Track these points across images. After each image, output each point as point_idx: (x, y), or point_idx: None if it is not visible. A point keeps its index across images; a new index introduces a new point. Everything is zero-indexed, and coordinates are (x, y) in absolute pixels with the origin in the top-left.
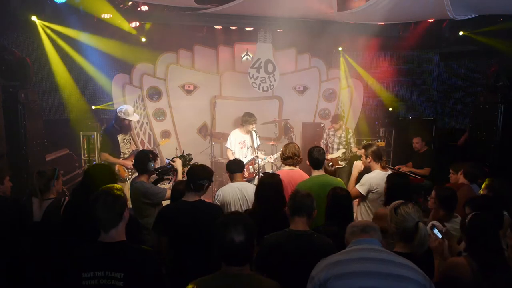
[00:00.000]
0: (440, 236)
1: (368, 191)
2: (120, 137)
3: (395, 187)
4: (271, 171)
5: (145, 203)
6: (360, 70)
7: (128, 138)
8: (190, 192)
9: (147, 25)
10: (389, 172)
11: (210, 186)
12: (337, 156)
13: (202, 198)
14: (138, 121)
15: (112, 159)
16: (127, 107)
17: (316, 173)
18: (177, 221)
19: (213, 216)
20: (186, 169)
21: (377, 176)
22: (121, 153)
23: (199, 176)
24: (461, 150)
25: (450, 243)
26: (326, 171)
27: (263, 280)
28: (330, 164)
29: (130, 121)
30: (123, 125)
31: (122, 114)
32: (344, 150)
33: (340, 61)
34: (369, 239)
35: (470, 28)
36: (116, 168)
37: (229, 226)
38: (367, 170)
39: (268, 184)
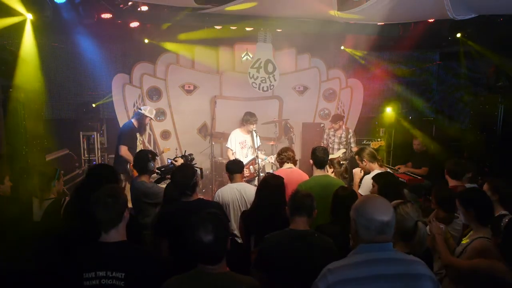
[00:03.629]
0: None
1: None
2: (138, 136)
3: (388, 186)
4: (271, 171)
5: (146, 203)
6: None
7: (142, 139)
8: (187, 196)
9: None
10: (388, 170)
11: (211, 186)
12: (338, 156)
13: (203, 197)
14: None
15: (130, 155)
16: (149, 107)
17: (318, 173)
18: (177, 222)
19: None
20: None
21: None
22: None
23: (189, 178)
24: (461, 150)
25: (447, 241)
26: (336, 170)
27: (236, 277)
28: (341, 163)
29: (150, 120)
30: (143, 123)
31: (145, 111)
32: (344, 150)
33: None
34: (382, 245)
35: (470, 29)
36: (129, 167)
37: (199, 225)
38: (367, 172)
39: (272, 185)
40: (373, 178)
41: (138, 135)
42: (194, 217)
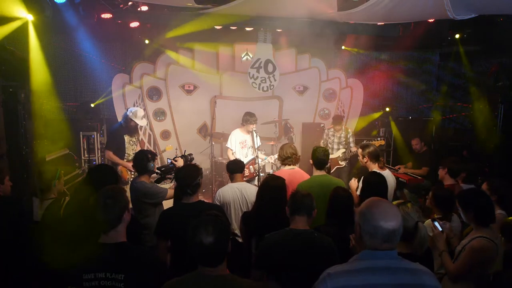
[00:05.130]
0: (440, 229)
1: None
2: (126, 138)
3: (370, 186)
4: (271, 171)
5: (145, 203)
6: None
7: (134, 140)
8: (187, 195)
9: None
10: (387, 170)
11: (211, 186)
12: (337, 156)
13: (204, 198)
14: (143, 127)
15: (115, 158)
16: (138, 109)
17: (317, 173)
18: (178, 224)
19: None
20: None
21: None
22: (126, 154)
23: (192, 177)
24: (461, 150)
25: (451, 240)
26: None
27: (236, 280)
28: None
29: (136, 124)
30: (129, 126)
31: (131, 114)
32: (344, 150)
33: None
34: (387, 252)
35: (470, 29)
36: (119, 169)
37: (199, 227)
38: (364, 171)
39: (273, 187)
40: (363, 180)
41: (128, 137)
42: (195, 218)
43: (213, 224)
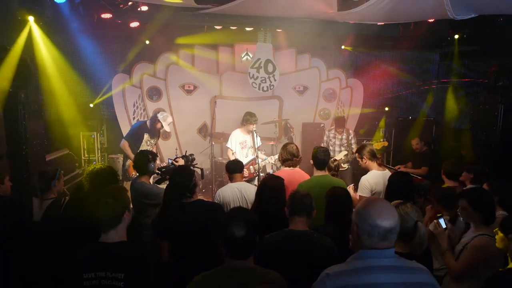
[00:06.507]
0: (444, 226)
1: (372, 192)
2: (146, 136)
3: (396, 185)
4: (271, 171)
5: (146, 204)
6: None
7: (153, 142)
8: (187, 198)
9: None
10: (386, 170)
11: (211, 186)
12: (340, 158)
13: (204, 198)
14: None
15: (129, 150)
16: (168, 116)
17: (318, 173)
18: (178, 223)
19: (214, 214)
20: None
21: (374, 176)
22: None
23: (188, 179)
24: (460, 150)
25: (452, 240)
26: (329, 168)
27: (265, 272)
28: (332, 159)
29: (162, 127)
30: (154, 126)
31: (161, 116)
32: (346, 152)
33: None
34: (384, 251)
35: (470, 29)
36: (128, 163)
37: (231, 221)
38: (363, 171)
39: (271, 187)
40: (388, 180)
41: (148, 136)
42: (225, 213)
43: (243, 218)
